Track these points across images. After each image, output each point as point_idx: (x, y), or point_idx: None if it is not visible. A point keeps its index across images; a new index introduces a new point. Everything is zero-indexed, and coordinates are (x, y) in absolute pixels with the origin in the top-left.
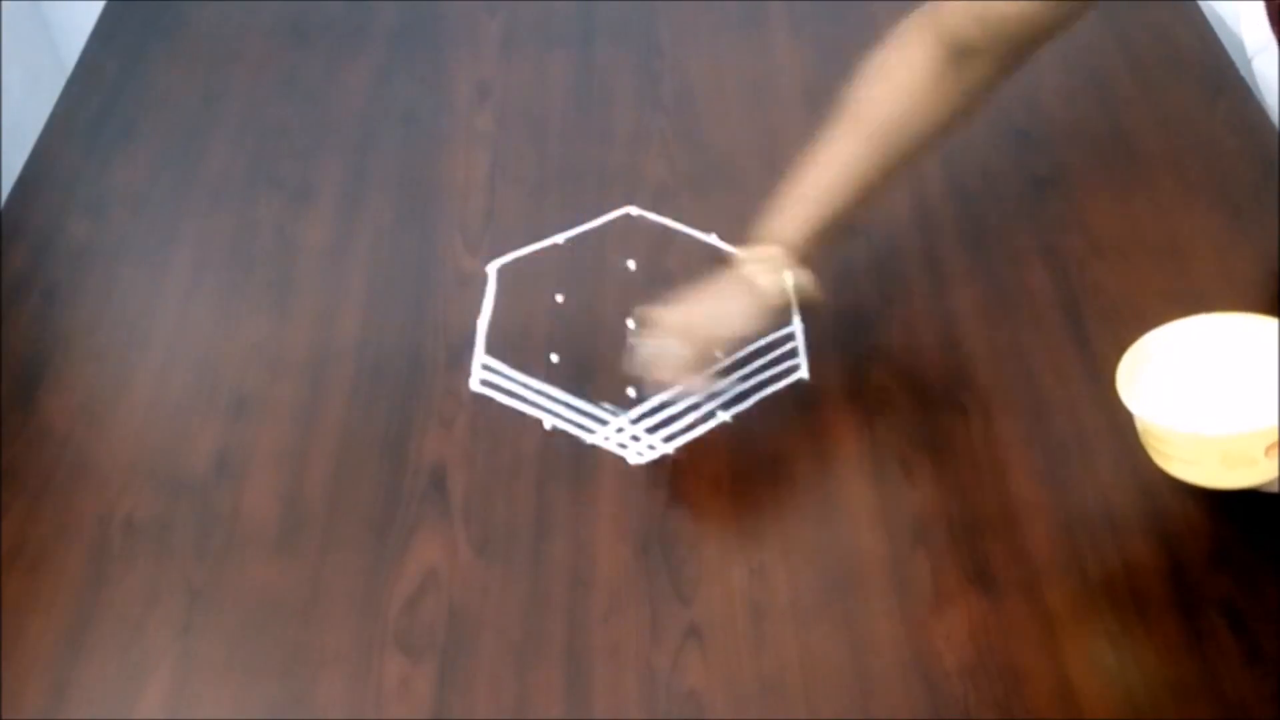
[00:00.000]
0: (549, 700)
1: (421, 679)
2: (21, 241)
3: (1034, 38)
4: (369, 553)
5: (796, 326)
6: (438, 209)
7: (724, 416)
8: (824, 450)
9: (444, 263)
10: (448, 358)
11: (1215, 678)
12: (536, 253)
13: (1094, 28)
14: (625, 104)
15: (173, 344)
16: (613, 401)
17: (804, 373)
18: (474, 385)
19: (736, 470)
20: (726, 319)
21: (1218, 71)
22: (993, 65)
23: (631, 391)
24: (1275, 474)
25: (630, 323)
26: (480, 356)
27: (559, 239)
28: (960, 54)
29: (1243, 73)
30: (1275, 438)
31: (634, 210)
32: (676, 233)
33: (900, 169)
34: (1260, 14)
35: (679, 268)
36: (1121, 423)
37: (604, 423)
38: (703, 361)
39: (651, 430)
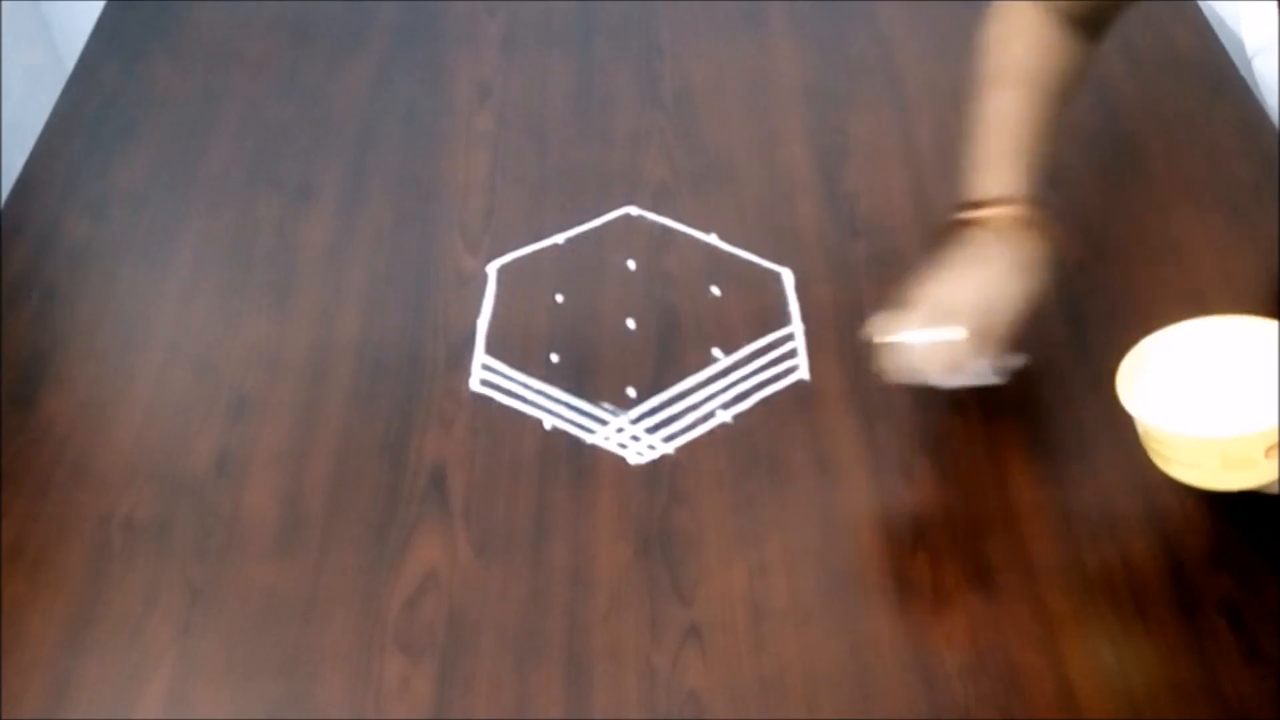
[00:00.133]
0: (549, 700)
1: (421, 679)
2: (21, 241)
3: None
4: (369, 553)
5: (796, 326)
6: (438, 209)
7: (724, 416)
8: (824, 450)
9: (444, 263)
10: (448, 358)
11: (1215, 678)
12: (536, 253)
13: None
14: (625, 104)
15: (173, 344)
16: (613, 401)
17: (804, 373)
18: (474, 385)
19: (736, 470)
20: (1003, 290)
21: (1218, 71)
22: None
23: (631, 391)
24: (1275, 475)
25: (872, 324)
26: (480, 356)
27: (559, 239)
28: (1060, 14)
29: (1243, 73)
30: (1275, 439)
31: (634, 210)
32: (676, 233)
33: (1064, 108)
34: (1260, 14)
35: (679, 268)
36: (1121, 423)
37: (604, 423)
38: (986, 342)
39: (651, 430)
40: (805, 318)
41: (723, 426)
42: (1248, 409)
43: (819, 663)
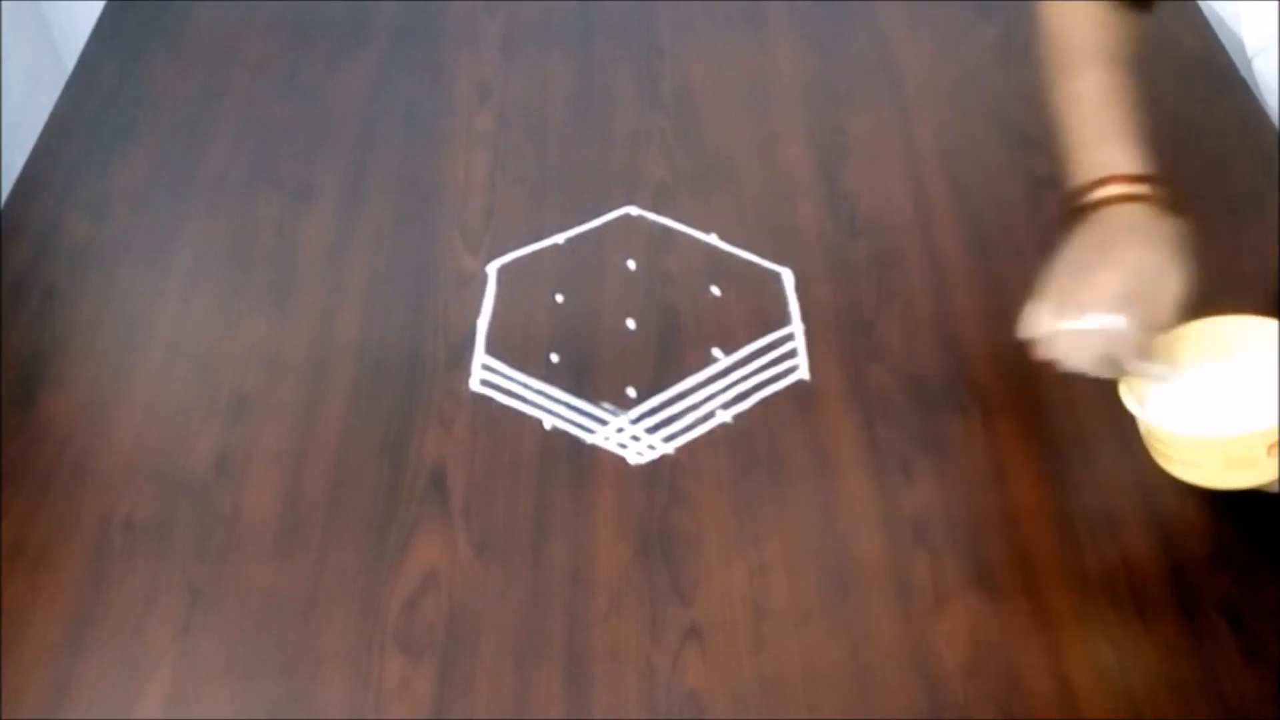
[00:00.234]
0: (549, 700)
1: (421, 679)
2: (21, 241)
3: None
4: (369, 553)
5: (796, 326)
6: (438, 209)
7: (724, 416)
8: (824, 450)
9: (444, 263)
10: (448, 358)
11: (1215, 678)
12: (536, 253)
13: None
14: (625, 104)
15: (173, 344)
16: (613, 401)
17: (804, 373)
18: (474, 385)
19: (736, 470)
20: (1162, 275)
21: (1218, 71)
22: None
23: (631, 391)
24: (1277, 474)
25: (1030, 321)
26: (480, 356)
27: (559, 239)
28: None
29: (1243, 73)
30: (1276, 438)
31: (634, 210)
32: (676, 233)
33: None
34: (1260, 14)
35: (679, 268)
36: (1121, 423)
37: (604, 423)
38: (1151, 330)
39: (651, 430)
40: (805, 318)
41: (723, 426)
42: (1249, 408)
43: (819, 663)
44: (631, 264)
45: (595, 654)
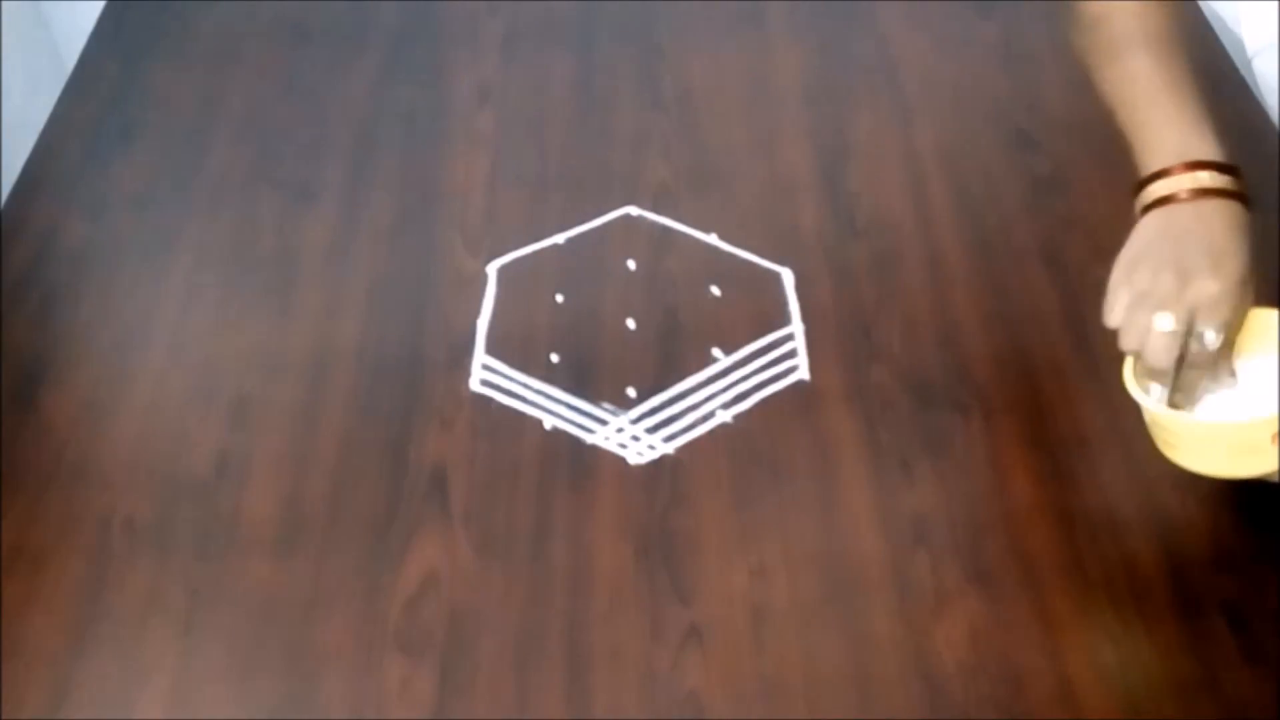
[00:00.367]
0: (549, 700)
1: (421, 679)
2: (21, 241)
3: None
4: (369, 553)
5: (796, 326)
6: (438, 209)
7: (724, 416)
8: (824, 450)
9: (444, 263)
10: (448, 358)
11: (1215, 678)
12: (536, 253)
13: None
14: (625, 104)
15: (173, 344)
16: (613, 401)
17: (804, 373)
18: (474, 385)
19: (736, 470)
20: (1250, 284)
21: (1218, 71)
22: None
23: (631, 391)
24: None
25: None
26: (480, 356)
27: (559, 239)
28: None
29: (1243, 73)
30: (1278, 427)
31: (634, 210)
32: (676, 233)
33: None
34: (1260, 14)
35: (679, 268)
36: (1121, 423)
37: (604, 423)
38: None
39: (651, 430)
40: (805, 318)
41: (723, 426)
42: (1254, 397)
43: (819, 663)
44: (631, 264)
45: (595, 654)
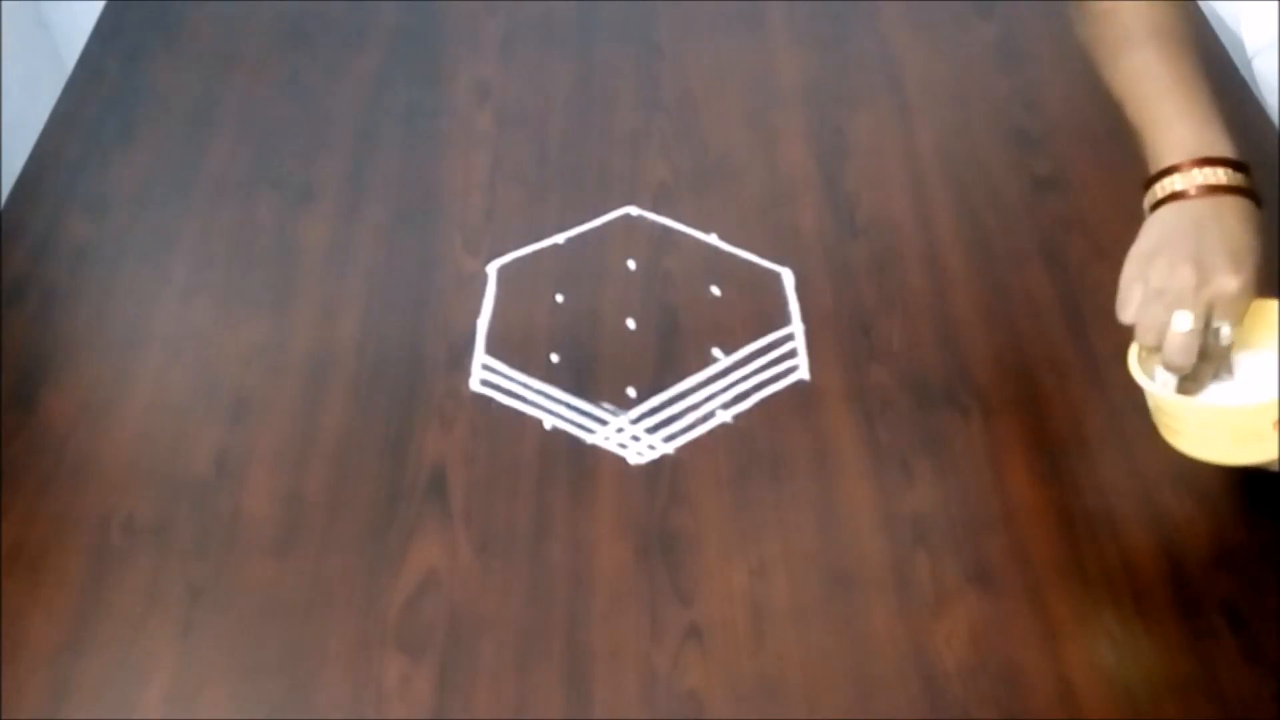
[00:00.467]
0: (549, 700)
1: (421, 679)
2: (21, 241)
3: None
4: (369, 553)
5: (796, 326)
6: (438, 209)
7: (724, 416)
8: (824, 450)
9: (444, 263)
10: (448, 358)
11: (1215, 678)
12: (536, 253)
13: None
14: (625, 104)
15: (173, 344)
16: (613, 401)
17: (804, 373)
18: (474, 385)
19: (736, 470)
20: (1260, 263)
21: (1218, 71)
22: None
23: (631, 391)
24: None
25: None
26: (480, 356)
27: (559, 239)
28: None
29: (1243, 73)
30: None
31: (634, 210)
32: (676, 233)
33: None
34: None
35: (679, 268)
36: (1121, 422)
37: (604, 423)
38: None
39: (651, 430)
40: (805, 318)
41: (723, 426)
42: (1257, 383)
43: (819, 662)
44: (631, 264)
45: (595, 654)
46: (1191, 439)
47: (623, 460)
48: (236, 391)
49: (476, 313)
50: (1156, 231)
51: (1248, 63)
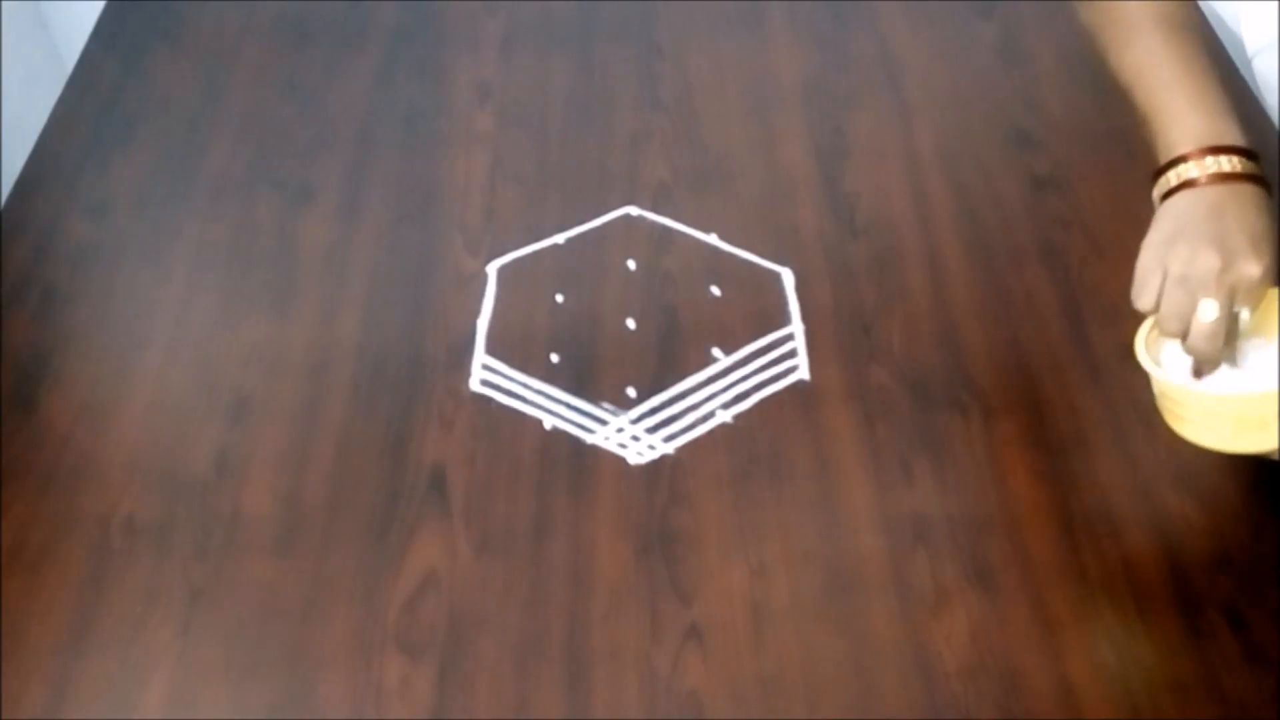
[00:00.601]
0: (549, 700)
1: (421, 679)
2: (21, 241)
3: None
4: (369, 553)
5: (796, 326)
6: (438, 209)
7: (724, 416)
8: (824, 450)
9: (444, 263)
10: (448, 358)
11: (1215, 678)
12: (536, 253)
13: (1087, 36)
14: (625, 104)
15: (173, 344)
16: (613, 401)
17: (804, 373)
18: (474, 385)
19: (736, 470)
20: (1277, 249)
21: (1218, 71)
22: None
23: (631, 391)
24: None
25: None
26: (480, 356)
27: (559, 239)
28: None
29: (1243, 73)
30: None
31: (634, 210)
32: (676, 233)
33: (1200, 33)
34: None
35: (679, 268)
36: (1122, 423)
37: (604, 423)
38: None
39: (651, 430)
40: (805, 318)
41: (723, 426)
42: (1263, 372)
43: (819, 663)
44: (631, 264)
45: (595, 654)
46: (1195, 426)
47: (623, 460)
48: (236, 391)
49: (476, 313)
50: (1172, 218)
51: (1248, 63)
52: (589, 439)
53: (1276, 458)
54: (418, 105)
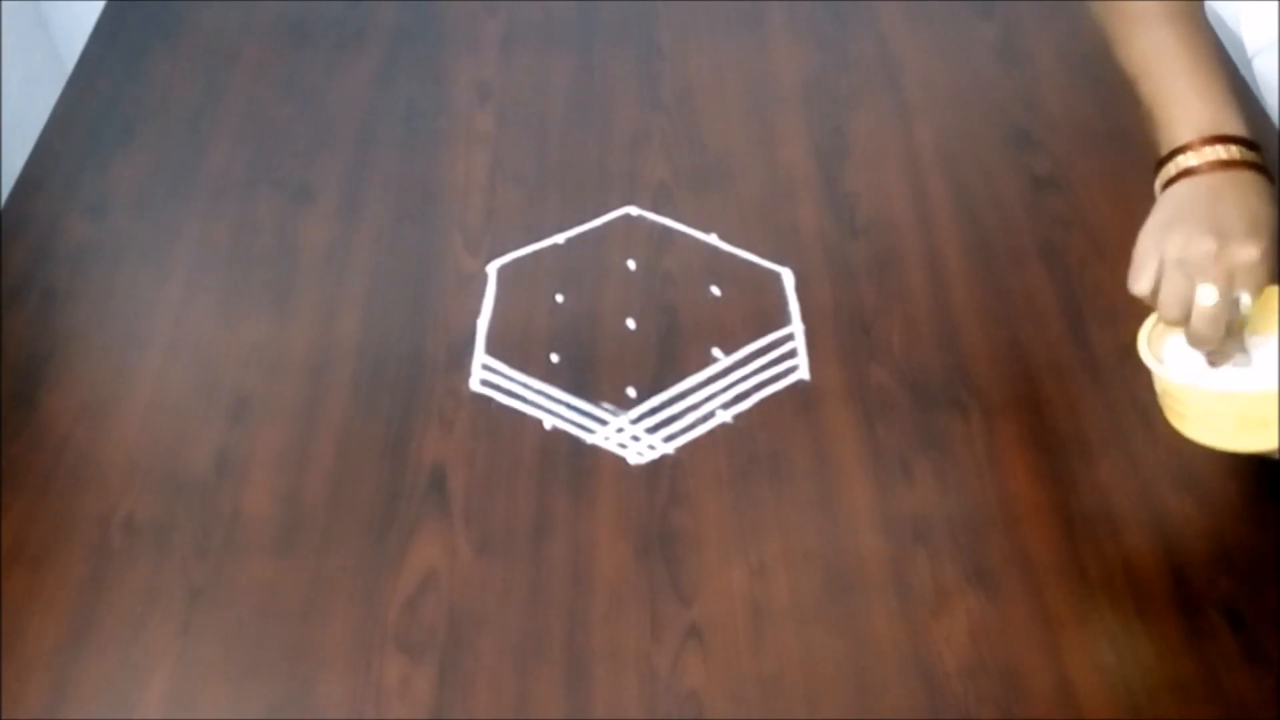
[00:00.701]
0: (549, 700)
1: (421, 679)
2: (21, 241)
3: None
4: (369, 553)
5: (796, 326)
6: (438, 209)
7: (724, 416)
8: (824, 450)
9: (444, 263)
10: (448, 358)
11: (1215, 678)
12: (536, 253)
13: (1095, 27)
14: (625, 104)
15: (173, 344)
16: (613, 401)
17: (804, 373)
18: (474, 385)
19: (736, 470)
20: (1277, 233)
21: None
22: None
23: (631, 391)
24: None
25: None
26: (480, 356)
27: (559, 239)
28: None
29: (1243, 73)
30: None
31: (634, 210)
32: (676, 233)
33: (1207, 27)
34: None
35: (679, 268)
36: (1122, 423)
37: (604, 423)
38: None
39: (651, 430)
40: (805, 318)
41: (723, 426)
42: (1266, 370)
43: (819, 663)
44: (631, 264)
45: (595, 654)
46: (1197, 424)
47: (623, 460)
48: (236, 391)
49: (476, 313)
50: (1171, 205)
51: (1248, 63)
52: (589, 439)
53: (1277, 456)
54: (418, 105)
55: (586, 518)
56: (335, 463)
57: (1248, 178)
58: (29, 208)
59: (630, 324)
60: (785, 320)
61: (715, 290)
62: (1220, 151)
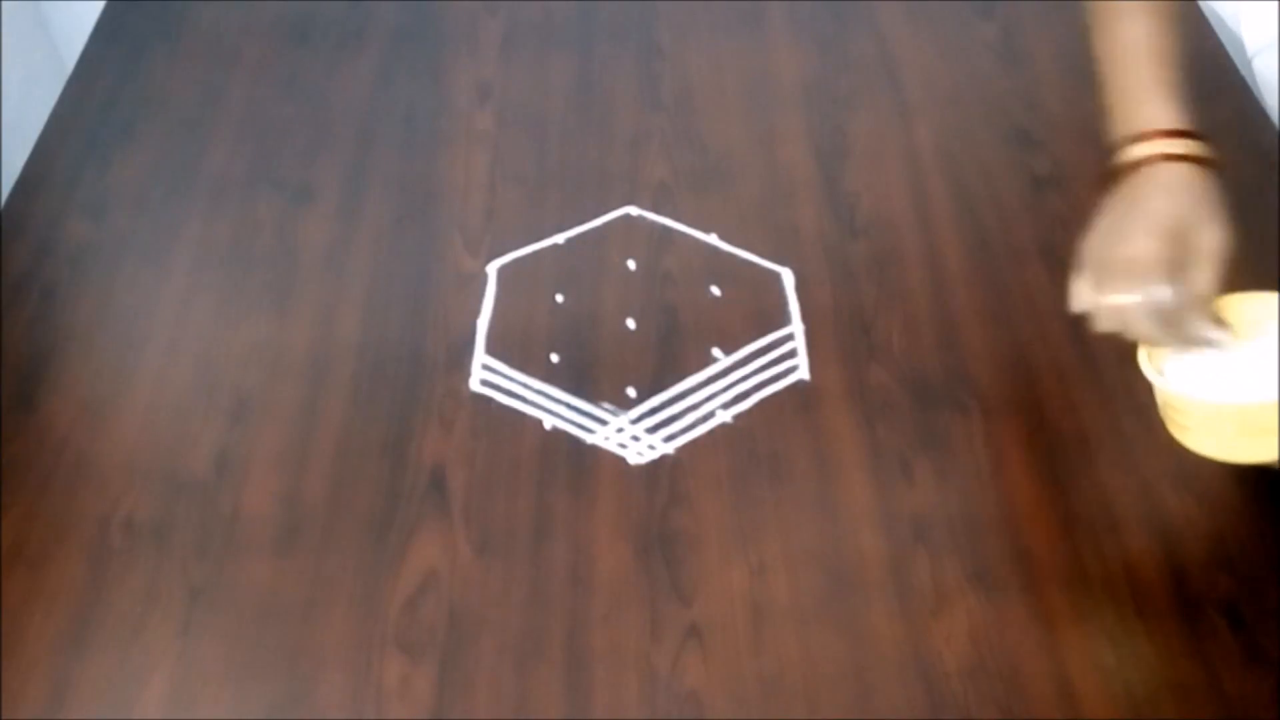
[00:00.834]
0: (549, 700)
1: (421, 679)
2: (21, 241)
3: None
4: (369, 553)
5: (796, 326)
6: (438, 209)
7: (724, 416)
8: (824, 450)
9: (444, 263)
10: (448, 358)
11: (1215, 678)
12: (536, 253)
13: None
14: (625, 104)
15: (173, 344)
16: (613, 401)
17: (804, 373)
18: (474, 385)
19: (736, 470)
20: (1200, 235)
21: (1218, 71)
22: None
23: (631, 391)
24: None
25: (1075, 294)
26: (480, 356)
27: (559, 239)
28: None
29: (1243, 73)
30: None
31: (634, 210)
32: (676, 233)
33: (1179, 24)
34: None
35: (679, 268)
36: (1121, 423)
37: (604, 423)
38: (1203, 296)
39: (651, 430)
40: (805, 318)
41: (723, 426)
42: (1267, 379)
43: (819, 663)
44: (631, 264)
45: (595, 654)
46: (1198, 435)
47: (623, 460)
48: (236, 391)
49: (476, 313)
50: (1101, 211)
51: (1248, 63)
52: (589, 439)
53: (1279, 467)
54: (418, 105)
55: (586, 518)
56: (335, 463)
57: (1157, 173)
58: (29, 208)
59: (630, 324)
60: (785, 320)
61: (715, 290)
62: (1144, 149)
